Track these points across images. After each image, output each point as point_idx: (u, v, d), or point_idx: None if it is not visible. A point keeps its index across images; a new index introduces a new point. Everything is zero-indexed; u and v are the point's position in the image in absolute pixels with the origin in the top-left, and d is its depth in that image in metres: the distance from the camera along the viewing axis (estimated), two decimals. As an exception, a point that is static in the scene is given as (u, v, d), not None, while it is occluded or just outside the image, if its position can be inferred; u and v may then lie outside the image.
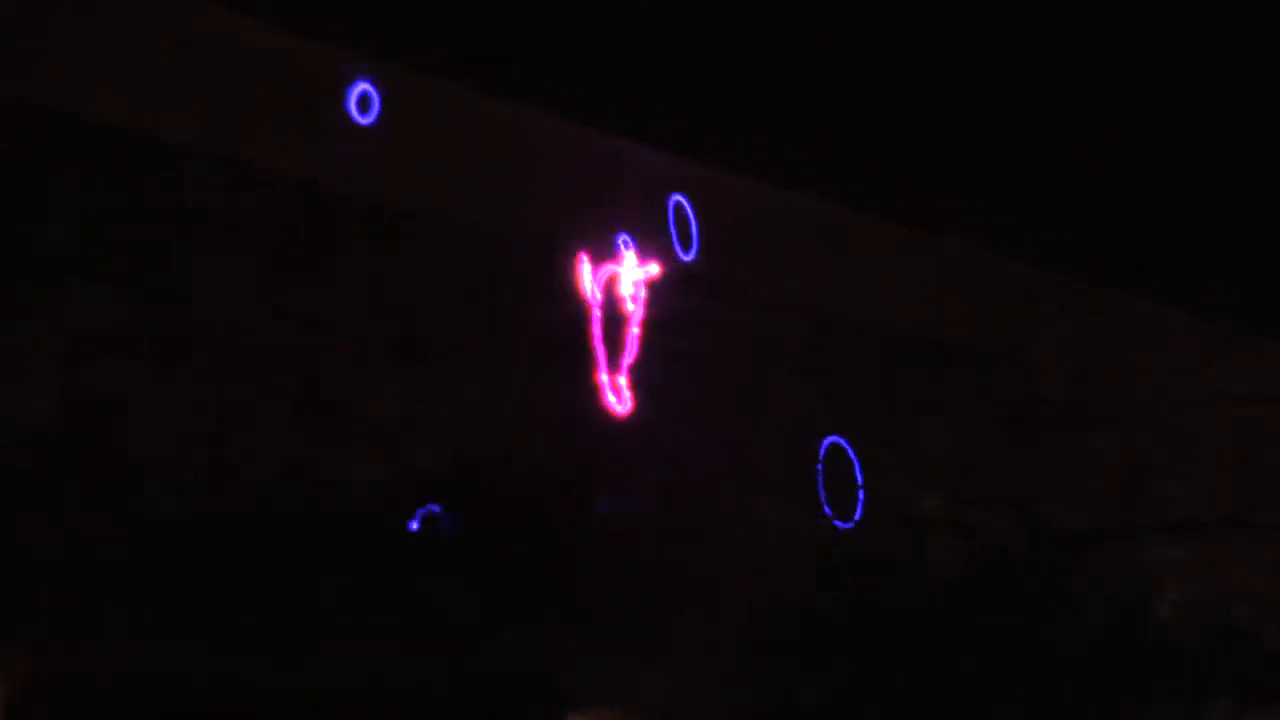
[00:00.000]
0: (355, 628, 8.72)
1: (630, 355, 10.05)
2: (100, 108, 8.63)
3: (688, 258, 10.02)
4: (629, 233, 10.14)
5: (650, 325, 10.13)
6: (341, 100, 9.23)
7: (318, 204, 9.26)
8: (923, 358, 11.37)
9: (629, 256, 10.04)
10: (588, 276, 9.91)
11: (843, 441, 10.58)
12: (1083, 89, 12.76)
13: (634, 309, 10.04)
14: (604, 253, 10.10)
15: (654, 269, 10.08)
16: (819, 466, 10.28)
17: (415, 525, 9.08)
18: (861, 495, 10.62)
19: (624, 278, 10.06)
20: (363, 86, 9.29)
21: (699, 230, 10.37)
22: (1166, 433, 12.31)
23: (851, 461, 10.68)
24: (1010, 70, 12.45)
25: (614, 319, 10.09)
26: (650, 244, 10.21)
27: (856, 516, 10.55)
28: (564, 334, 9.89)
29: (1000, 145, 12.42)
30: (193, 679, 8.22)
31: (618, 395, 9.94)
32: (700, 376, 10.29)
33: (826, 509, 10.37)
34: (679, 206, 10.00)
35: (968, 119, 12.29)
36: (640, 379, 10.06)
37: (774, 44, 11.76)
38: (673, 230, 9.93)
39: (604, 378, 9.96)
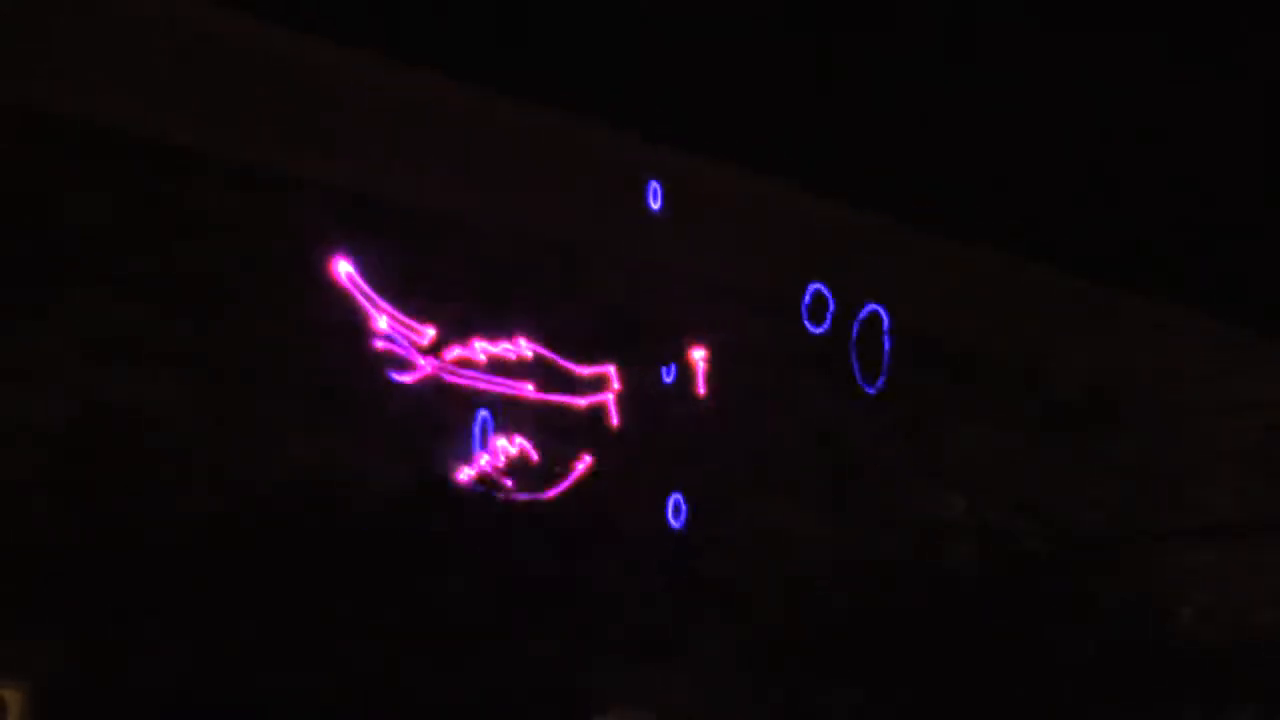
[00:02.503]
0: (375, 630, 8.71)
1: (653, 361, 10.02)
2: (111, 113, 8.64)
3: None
4: (649, 233, 10.09)
5: (672, 331, 10.09)
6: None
7: (328, 206, 9.18)
8: (945, 362, 11.30)
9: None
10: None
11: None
12: (1104, 94, 12.70)
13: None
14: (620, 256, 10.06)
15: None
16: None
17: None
18: None
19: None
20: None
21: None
22: (1190, 437, 12.25)
23: None
24: (1030, 74, 12.39)
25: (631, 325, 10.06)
26: (669, 245, 10.16)
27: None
28: (579, 338, 9.84)
29: (1022, 150, 12.35)
30: (208, 681, 8.19)
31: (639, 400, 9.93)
32: (721, 381, 10.22)
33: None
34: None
35: (988, 123, 12.22)
36: (662, 384, 10.01)
37: (792, 47, 11.72)
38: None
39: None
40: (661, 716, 9.80)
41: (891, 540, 10.75)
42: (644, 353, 10.01)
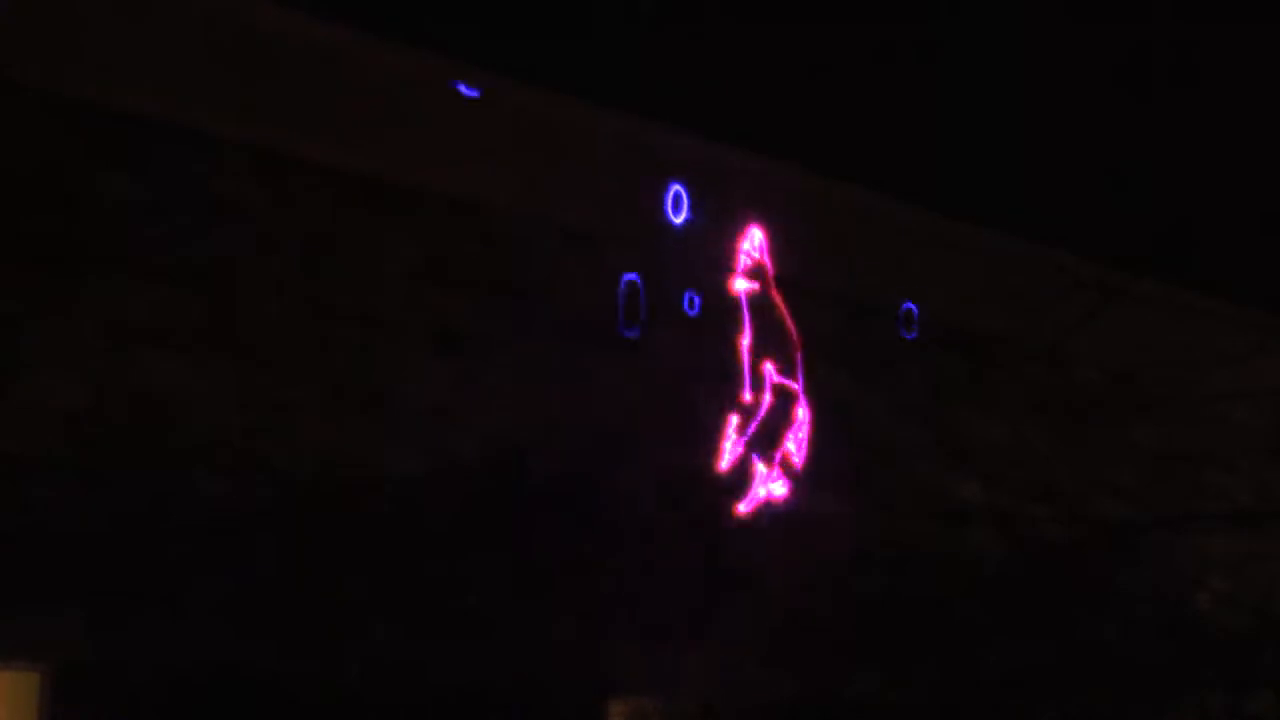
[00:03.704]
0: (395, 616, 8.74)
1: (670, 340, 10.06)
2: (136, 100, 8.61)
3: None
4: (670, 221, 10.13)
5: (691, 310, 10.13)
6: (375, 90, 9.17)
7: (356, 195, 9.23)
8: (963, 348, 11.31)
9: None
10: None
11: None
12: (1126, 83, 12.70)
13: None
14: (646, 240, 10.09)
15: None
16: None
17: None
18: None
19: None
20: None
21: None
22: (1210, 423, 12.24)
23: None
24: (1052, 63, 12.40)
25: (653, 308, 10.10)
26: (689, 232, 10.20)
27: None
28: (602, 324, 9.87)
29: (1045, 136, 12.36)
30: (230, 668, 8.21)
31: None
32: (739, 363, 10.24)
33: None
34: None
35: (1006, 111, 12.24)
36: (678, 366, 10.05)
37: (813, 31, 11.72)
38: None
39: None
40: (679, 701, 9.84)
41: (912, 526, 10.77)
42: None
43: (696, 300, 10.13)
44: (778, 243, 10.42)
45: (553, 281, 9.78)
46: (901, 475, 10.82)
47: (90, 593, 8.04)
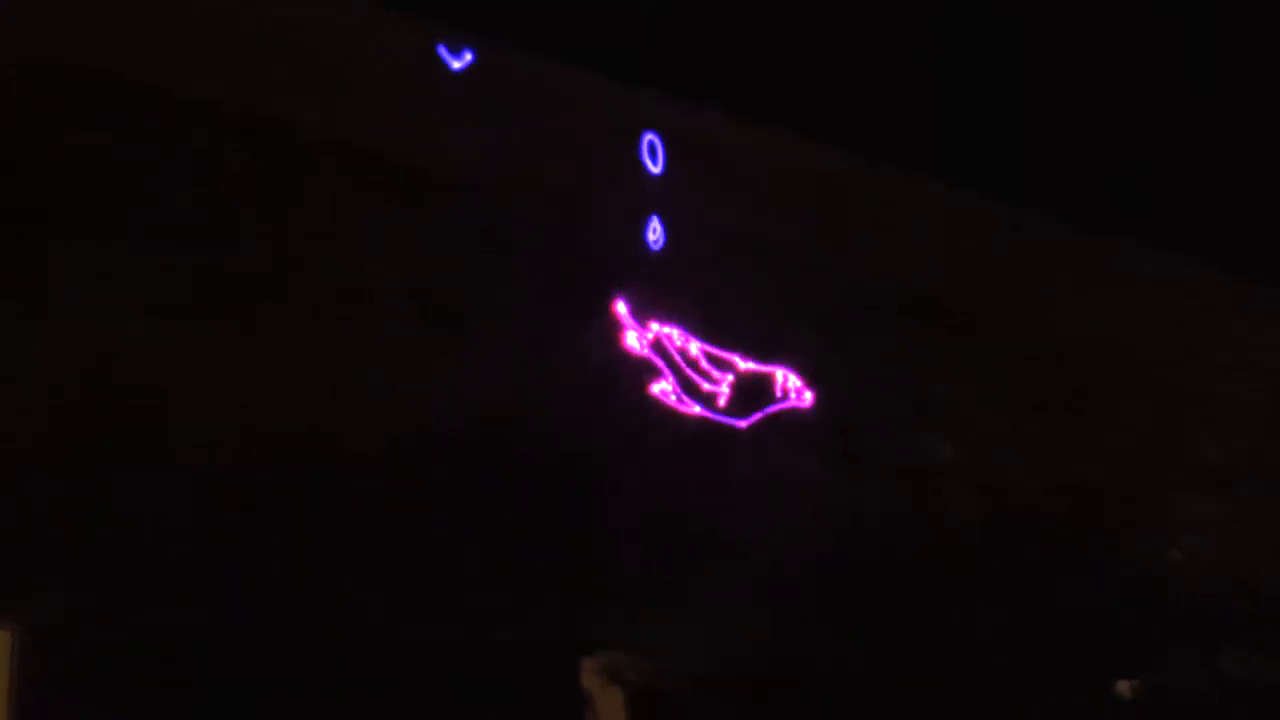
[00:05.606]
0: (375, 585, 8.78)
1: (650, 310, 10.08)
2: (124, 64, 8.66)
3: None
4: (643, 184, 10.13)
5: (665, 280, 10.15)
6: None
7: (342, 161, 9.22)
8: (943, 315, 11.34)
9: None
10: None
11: None
12: (1107, 44, 12.65)
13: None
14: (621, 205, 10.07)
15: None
16: None
17: None
18: None
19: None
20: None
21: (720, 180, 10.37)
22: (1193, 391, 12.27)
23: None
24: (1032, 21, 12.34)
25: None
26: (663, 195, 10.21)
27: None
28: (587, 291, 9.90)
29: (1021, 97, 12.33)
30: (209, 641, 8.24)
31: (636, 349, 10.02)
32: (716, 331, 10.28)
33: None
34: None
35: (985, 68, 12.18)
36: (660, 336, 10.08)
37: (812, 31, 11.65)
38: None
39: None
40: (658, 665, 9.89)
41: (893, 494, 10.83)
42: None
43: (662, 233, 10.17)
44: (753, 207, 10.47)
45: (539, 248, 9.78)
46: (883, 444, 10.87)
47: (70, 562, 8.02)
